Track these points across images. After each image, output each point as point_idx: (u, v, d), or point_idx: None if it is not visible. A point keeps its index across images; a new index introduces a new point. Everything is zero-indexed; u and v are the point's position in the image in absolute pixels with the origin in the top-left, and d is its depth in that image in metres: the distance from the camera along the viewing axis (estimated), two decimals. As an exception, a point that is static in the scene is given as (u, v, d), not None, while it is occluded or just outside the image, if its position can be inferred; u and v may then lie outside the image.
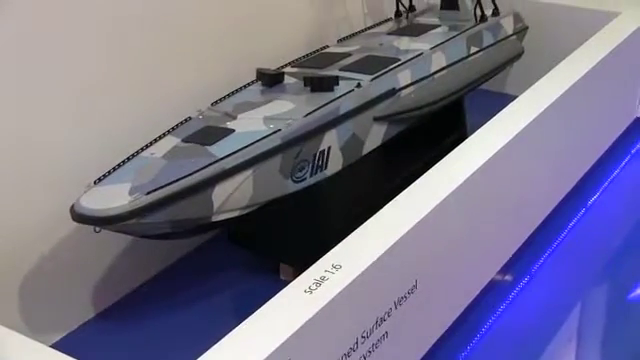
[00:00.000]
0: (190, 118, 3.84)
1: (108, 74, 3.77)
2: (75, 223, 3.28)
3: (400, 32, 4.93)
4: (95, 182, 3.38)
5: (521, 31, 5.32)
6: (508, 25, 5.18)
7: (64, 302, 3.85)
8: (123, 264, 4.09)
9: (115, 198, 3.23)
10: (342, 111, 3.85)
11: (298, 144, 3.66)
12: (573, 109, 4.48)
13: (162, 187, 3.25)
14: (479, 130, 3.90)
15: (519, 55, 5.24)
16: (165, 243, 3.94)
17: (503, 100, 4.32)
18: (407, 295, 3.20)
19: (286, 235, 4.03)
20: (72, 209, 3.26)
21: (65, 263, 3.80)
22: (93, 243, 3.56)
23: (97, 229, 3.28)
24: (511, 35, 5.18)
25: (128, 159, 3.51)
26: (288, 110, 3.79)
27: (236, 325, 2.60)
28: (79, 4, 3.56)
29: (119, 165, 3.46)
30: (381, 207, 3.25)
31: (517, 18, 5.31)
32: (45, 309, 3.77)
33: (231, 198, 3.49)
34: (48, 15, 3.45)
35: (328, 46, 4.74)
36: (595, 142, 5.16)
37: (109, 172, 3.42)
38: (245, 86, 4.15)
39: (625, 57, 5.14)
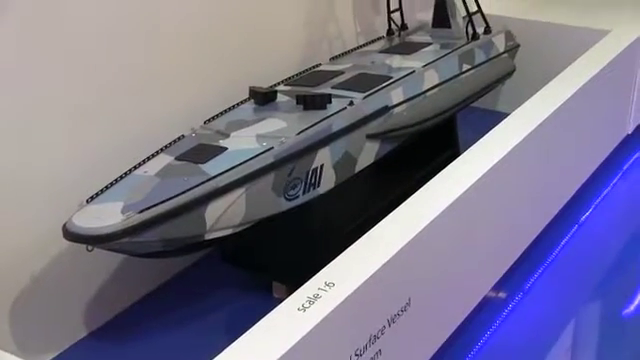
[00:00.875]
0: (183, 136, 3.85)
1: (101, 92, 3.78)
2: (67, 242, 3.27)
3: (392, 50, 4.95)
4: (87, 200, 3.37)
5: (513, 49, 5.35)
6: (500, 43, 5.21)
7: (56, 321, 3.83)
8: (115, 283, 4.08)
9: (107, 216, 3.22)
10: (335, 129, 3.86)
11: (291, 162, 3.66)
12: (565, 126, 4.50)
13: (155, 205, 3.25)
14: (471, 148, 3.92)
15: (511, 73, 5.27)
16: (157, 261, 3.93)
17: (495, 118, 4.34)
18: (400, 313, 3.19)
19: (279, 253, 4.02)
20: (64, 228, 3.25)
21: (57, 282, 3.78)
22: (85, 262, 3.55)
23: (89, 248, 3.26)
24: (503, 53, 5.21)
25: (121, 177, 3.50)
26: (281, 128, 3.80)
27: (229, 343, 2.59)
28: (71, 21, 3.57)
29: (112, 183, 3.46)
30: (374, 225, 3.25)
31: (508, 36, 5.34)
32: (37, 328, 3.75)
33: (224, 216, 3.49)
34: (41, 33, 3.46)
35: (321, 64, 4.75)
36: (587, 159, 5.18)
37: (102, 190, 3.42)
38: (238, 104, 4.16)
39: (616, 74, 5.17)
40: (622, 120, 5.66)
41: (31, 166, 3.55)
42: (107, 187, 3.44)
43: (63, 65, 3.58)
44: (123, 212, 3.23)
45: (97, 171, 3.63)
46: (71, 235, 3.21)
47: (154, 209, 3.24)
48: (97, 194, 3.40)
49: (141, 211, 3.22)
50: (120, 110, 3.89)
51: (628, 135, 5.77)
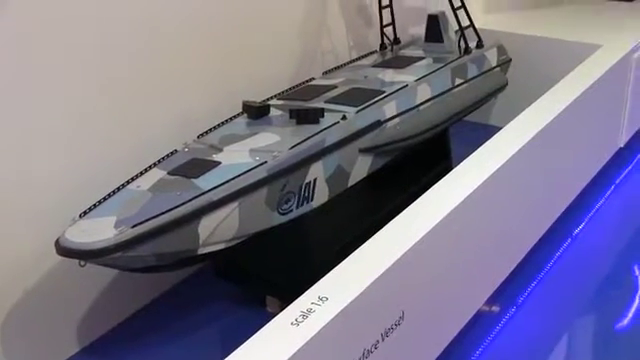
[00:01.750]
0: (176, 151, 3.85)
1: (93, 106, 3.78)
2: (60, 257, 3.26)
3: (385, 64, 4.97)
4: (80, 215, 3.36)
5: (505, 63, 5.38)
6: (492, 57, 5.24)
7: (48, 337, 3.82)
8: (108, 298, 4.06)
9: (100, 231, 3.21)
10: (328, 143, 3.87)
11: (284, 176, 3.67)
12: (557, 140, 4.52)
13: (148, 220, 3.24)
14: (464, 161, 3.92)
15: (503, 87, 5.29)
16: (150, 276, 3.92)
17: (488, 131, 4.35)
18: (394, 327, 3.18)
19: (272, 267, 4.02)
20: (57, 243, 3.24)
21: (49, 297, 3.77)
22: (78, 277, 3.53)
23: (82, 263, 3.25)
24: (495, 67, 5.24)
25: (114, 192, 3.50)
26: (274, 142, 3.80)
27: (222, 358, 2.58)
28: (66, 34, 3.57)
29: (105, 198, 3.45)
30: (367, 239, 3.25)
31: (501, 50, 5.36)
32: (29, 344, 3.73)
33: (217, 231, 3.49)
34: (33, 46, 3.46)
35: (314, 78, 4.77)
36: (580, 172, 5.20)
37: (94, 205, 3.41)
38: (231, 118, 4.16)
39: (607, 88, 5.20)
40: (614, 133, 5.68)
41: (23, 182, 3.54)
42: (100, 202, 3.43)
43: (55, 81, 3.58)
44: (116, 227, 3.22)
45: (90, 186, 3.63)
46: (64, 250, 3.20)
47: (147, 224, 3.23)
48: (90, 209, 3.39)
49: (134, 226, 3.21)
50: (112, 125, 3.89)
51: (620, 148, 5.80)
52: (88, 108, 3.76)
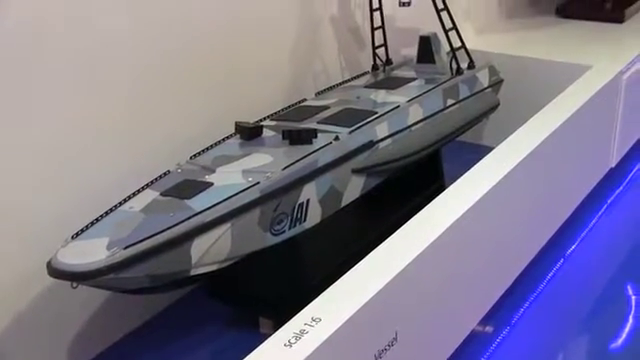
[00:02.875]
0: (169, 172, 3.84)
1: (85, 127, 3.78)
2: (52, 279, 3.24)
3: (377, 85, 4.98)
4: (72, 237, 3.35)
5: (496, 84, 5.41)
6: (484, 78, 5.26)
7: (40, 359, 3.79)
8: (100, 320, 4.04)
9: (93, 253, 3.20)
10: (320, 164, 3.87)
11: (277, 197, 3.66)
12: (549, 160, 4.53)
13: (140, 241, 3.23)
14: (457, 181, 3.93)
15: (495, 107, 5.31)
16: (143, 298, 3.91)
17: (480, 151, 4.37)
18: (388, 347, 3.17)
19: (265, 288, 4.01)
20: (49, 264, 3.22)
21: (41, 319, 3.74)
22: (70, 299, 3.51)
23: (74, 285, 3.24)
24: (487, 88, 5.26)
25: (106, 213, 3.49)
26: (267, 163, 3.81)
27: (215, 380, 2.57)
28: (58, 53, 3.58)
29: (97, 219, 3.44)
30: (360, 259, 3.24)
31: (492, 71, 5.39)
32: (20, 367, 3.71)
33: (210, 252, 3.48)
34: (25, 64, 3.47)
35: (306, 99, 4.78)
36: (571, 192, 5.21)
37: (87, 226, 3.40)
38: (224, 139, 4.17)
39: (598, 109, 5.23)
40: (605, 153, 5.71)
41: (14, 202, 3.53)
42: (92, 223, 3.42)
43: (47, 101, 3.58)
44: (108, 248, 3.21)
45: (82, 207, 3.62)
46: (55, 272, 3.18)
47: (140, 245, 3.22)
48: (82, 230, 3.38)
49: (127, 247, 3.20)
50: (105, 146, 3.89)
51: (611, 168, 5.82)
52: (80, 129, 3.76)
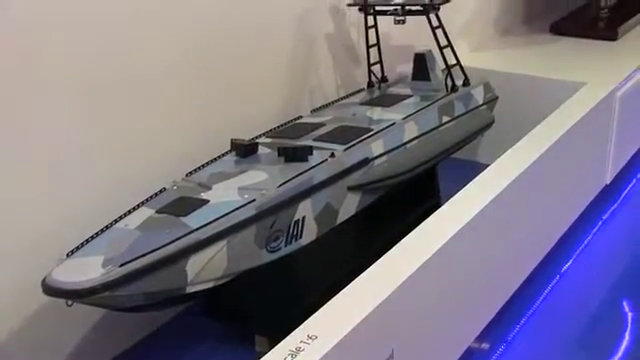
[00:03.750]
0: (164, 189, 3.84)
1: (81, 144, 3.78)
2: (47, 297, 3.23)
3: (373, 102, 5.00)
4: (68, 254, 3.34)
5: (491, 101, 5.43)
6: (479, 95, 5.28)
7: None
8: (95, 338, 4.02)
9: (88, 270, 3.19)
10: (316, 181, 3.88)
11: (272, 214, 3.67)
12: (544, 177, 4.54)
13: (136, 259, 3.23)
14: (452, 198, 3.94)
15: (490, 124, 5.33)
16: (138, 316, 3.89)
17: (475, 168, 4.37)
18: (384, 365, 3.17)
19: (261, 305, 4.00)
20: (44, 282, 3.21)
21: (35, 338, 3.72)
22: (65, 317, 3.50)
23: (69, 302, 3.23)
24: (482, 105, 5.27)
25: (102, 231, 3.49)
26: (262, 180, 3.81)
27: (211, 399, 2.56)
28: (54, 68, 3.59)
29: (92, 237, 3.44)
30: (356, 276, 3.24)
31: (487, 88, 5.41)
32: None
33: (205, 269, 3.47)
34: (21, 79, 3.47)
35: (302, 116, 4.79)
36: (567, 209, 5.22)
37: (82, 244, 3.40)
38: (219, 157, 4.17)
39: (593, 126, 5.25)
40: (600, 171, 5.72)
41: (9, 219, 3.52)
42: (88, 240, 3.42)
43: (41, 116, 3.59)
44: (104, 266, 3.21)
45: (78, 224, 3.61)
46: (51, 290, 3.17)
47: (135, 262, 3.22)
48: (77, 248, 3.37)
49: (122, 265, 3.20)
50: (100, 163, 3.89)
51: (606, 185, 5.83)
52: (75, 145, 3.76)
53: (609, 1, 7.28)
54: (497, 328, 4.31)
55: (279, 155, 4.04)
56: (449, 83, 5.09)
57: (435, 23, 4.94)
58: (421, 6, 4.88)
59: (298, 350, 2.76)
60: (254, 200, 3.60)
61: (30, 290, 3.44)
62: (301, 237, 3.88)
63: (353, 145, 4.18)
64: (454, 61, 5.16)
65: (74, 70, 3.68)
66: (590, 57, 6.40)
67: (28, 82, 3.49)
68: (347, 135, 4.30)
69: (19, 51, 3.42)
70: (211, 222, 3.44)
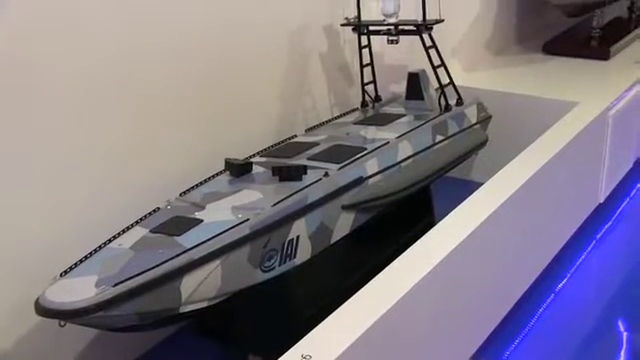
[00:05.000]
0: (158, 208, 3.84)
1: (74, 163, 3.78)
2: (39, 317, 3.21)
3: (367, 122, 5.01)
4: (61, 274, 3.33)
5: (485, 120, 5.45)
6: (472, 114, 5.30)
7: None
8: (88, 358, 4.00)
9: (81, 291, 3.17)
10: (310, 200, 3.88)
11: (266, 233, 3.66)
12: (538, 195, 4.55)
13: (129, 279, 3.21)
14: (447, 217, 3.94)
15: (483, 143, 5.34)
16: (132, 336, 3.87)
17: (469, 187, 4.39)
18: (378, 385, 3.16)
19: (255, 325, 3.98)
20: (37, 303, 3.19)
21: (28, 358, 3.70)
22: (57, 337, 3.48)
23: (62, 323, 3.21)
24: (475, 124, 5.29)
25: (95, 250, 3.47)
26: (256, 200, 3.81)
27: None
28: (47, 86, 3.59)
29: (86, 257, 3.42)
30: (350, 296, 3.23)
31: (480, 107, 5.43)
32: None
33: (199, 289, 3.46)
34: (15, 97, 3.47)
35: (296, 135, 4.80)
36: (561, 228, 5.23)
37: (75, 264, 3.38)
38: (213, 176, 4.17)
39: (586, 144, 5.27)
40: (594, 189, 5.74)
41: (2, 239, 3.51)
42: (81, 260, 3.40)
43: (36, 137, 3.59)
44: (97, 286, 3.19)
45: (71, 244, 3.60)
46: (43, 310, 3.15)
47: (129, 282, 3.20)
48: (71, 268, 3.36)
49: (115, 284, 3.18)
50: (94, 182, 3.89)
51: (600, 204, 5.84)
52: (68, 164, 3.75)
53: (601, 21, 7.34)
54: (492, 346, 4.30)
55: (273, 174, 4.04)
56: (442, 102, 5.11)
57: (428, 43, 4.97)
58: (414, 26, 4.91)
59: (292, 370, 2.75)
60: (248, 219, 3.60)
61: (23, 311, 3.42)
62: (295, 256, 3.87)
63: (347, 164, 4.19)
64: (447, 80, 5.19)
65: (67, 91, 3.68)
66: (583, 76, 6.44)
67: (20, 103, 3.49)
68: (341, 154, 4.30)
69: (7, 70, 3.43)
70: (205, 242, 3.44)
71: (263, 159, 4.38)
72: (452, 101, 5.18)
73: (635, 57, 6.81)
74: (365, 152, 4.33)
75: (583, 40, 7.35)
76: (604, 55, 6.92)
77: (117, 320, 3.28)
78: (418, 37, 4.92)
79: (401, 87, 5.41)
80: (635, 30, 7.63)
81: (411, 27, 4.93)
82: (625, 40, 7.28)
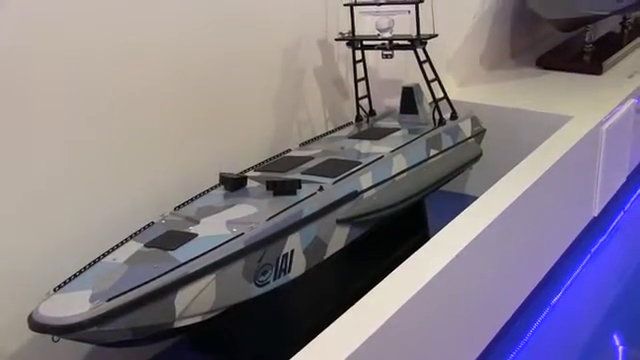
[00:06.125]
0: (153, 223, 3.83)
1: (68, 177, 3.77)
2: (33, 332, 3.19)
3: (361, 136, 5.02)
4: (55, 289, 3.32)
5: (479, 134, 5.46)
6: (466, 128, 5.31)
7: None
8: (82, 374, 3.98)
9: (75, 306, 3.16)
10: (305, 214, 3.87)
11: (261, 248, 3.65)
12: (532, 209, 4.56)
13: (124, 293, 3.20)
14: (441, 231, 3.94)
15: (478, 157, 5.35)
16: (125, 351, 3.85)
17: (463, 201, 4.39)
18: (373, 400, 3.15)
19: (249, 340, 3.97)
20: (30, 318, 3.18)
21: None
22: (51, 352, 3.46)
23: (55, 338, 3.19)
24: (469, 138, 5.31)
25: (89, 265, 3.47)
26: (251, 214, 3.80)
27: None
28: (42, 103, 3.59)
29: (80, 271, 3.42)
30: (345, 310, 3.23)
31: (474, 121, 5.45)
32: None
33: (194, 303, 3.45)
34: (11, 113, 3.47)
35: (290, 150, 4.80)
36: (555, 242, 5.23)
37: (69, 279, 3.37)
38: (208, 190, 4.17)
39: (580, 158, 5.28)
40: (588, 203, 5.74)
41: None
42: (75, 275, 3.40)
43: (30, 147, 3.58)
44: (91, 301, 3.18)
45: (65, 258, 3.59)
46: (37, 326, 3.14)
47: (123, 297, 3.19)
48: (65, 282, 3.35)
49: (110, 299, 3.17)
50: (88, 196, 3.88)
51: (594, 218, 5.85)
52: (63, 179, 3.75)
53: (593, 36, 7.38)
54: (487, 362, 4.30)
55: (268, 188, 4.04)
56: (437, 116, 5.12)
57: (422, 57, 4.98)
58: (408, 41, 4.93)
59: (287, 385, 2.74)
60: (242, 234, 3.59)
61: (15, 326, 3.40)
62: (290, 271, 3.86)
63: (342, 178, 4.19)
64: (441, 95, 5.20)
65: (60, 104, 3.68)
66: (576, 91, 6.47)
67: (12, 118, 3.49)
68: (336, 168, 4.31)
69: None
70: (199, 256, 3.43)
71: (257, 173, 4.38)
72: (446, 115, 5.20)
73: (628, 72, 6.84)
74: (360, 166, 4.34)
75: (576, 55, 7.39)
76: (597, 70, 6.96)
77: (111, 335, 3.27)
78: (412, 51, 4.94)
79: (395, 101, 5.42)
80: (628, 45, 7.67)
81: (405, 42, 4.95)
82: (618, 55, 7.32)
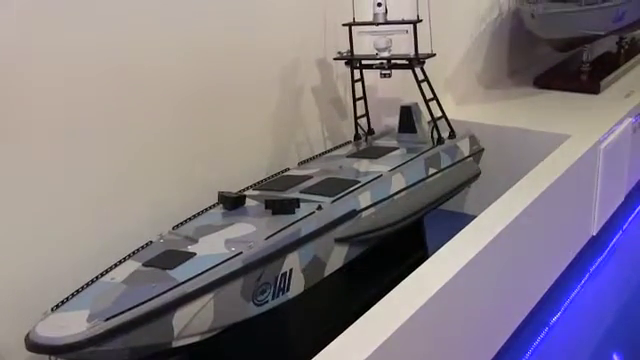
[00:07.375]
0: (151, 242, 3.82)
1: (67, 197, 3.77)
2: (30, 353, 3.17)
3: (359, 155, 5.03)
4: (52, 309, 3.30)
5: (477, 153, 5.47)
6: (464, 147, 5.32)
7: None
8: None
9: (73, 325, 3.15)
10: (303, 233, 3.87)
11: (260, 267, 3.64)
12: (531, 228, 4.55)
13: (122, 313, 3.19)
14: (440, 250, 3.94)
15: (476, 176, 5.36)
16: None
17: (462, 220, 4.39)
18: (373, 420, 3.13)
19: (248, 359, 3.95)
20: (27, 338, 3.16)
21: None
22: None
23: (52, 358, 3.17)
24: (468, 157, 5.31)
25: (87, 284, 3.45)
26: (249, 233, 3.80)
27: None
28: (42, 118, 3.60)
29: (78, 291, 3.40)
30: (344, 329, 3.22)
31: (473, 140, 5.45)
32: None
33: (192, 323, 3.43)
34: (12, 131, 3.47)
35: (289, 169, 4.80)
36: (554, 261, 5.22)
37: (67, 298, 3.36)
38: (207, 209, 4.16)
39: (578, 177, 5.28)
40: (586, 222, 5.74)
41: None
42: (73, 294, 3.38)
43: (29, 169, 3.58)
44: (89, 320, 3.16)
45: (63, 278, 3.57)
46: (34, 346, 3.12)
47: (121, 317, 3.18)
48: (63, 302, 3.33)
49: (107, 319, 3.15)
50: (87, 216, 3.88)
51: (593, 237, 5.84)
52: (60, 197, 3.75)
53: (590, 55, 7.41)
54: (486, 381, 4.28)
55: (266, 207, 4.04)
56: (435, 135, 5.13)
57: (420, 76, 5.00)
58: (406, 60, 4.95)
59: (286, 405, 2.72)
60: (241, 253, 3.58)
61: (12, 346, 3.38)
62: (288, 290, 3.85)
63: (340, 197, 4.19)
64: (440, 114, 5.21)
65: (58, 123, 3.69)
66: (573, 110, 6.49)
67: (10, 134, 3.50)
68: (334, 187, 4.31)
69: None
70: (198, 275, 3.42)
71: (256, 192, 4.38)
72: (444, 134, 5.20)
73: (625, 91, 6.87)
74: (358, 185, 4.34)
75: (573, 74, 7.42)
76: (594, 89, 6.99)
77: (109, 355, 3.25)
78: (410, 71, 4.95)
79: (394, 120, 5.43)
80: (624, 64, 7.70)
81: (403, 61, 4.97)
82: (615, 74, 7.35)
